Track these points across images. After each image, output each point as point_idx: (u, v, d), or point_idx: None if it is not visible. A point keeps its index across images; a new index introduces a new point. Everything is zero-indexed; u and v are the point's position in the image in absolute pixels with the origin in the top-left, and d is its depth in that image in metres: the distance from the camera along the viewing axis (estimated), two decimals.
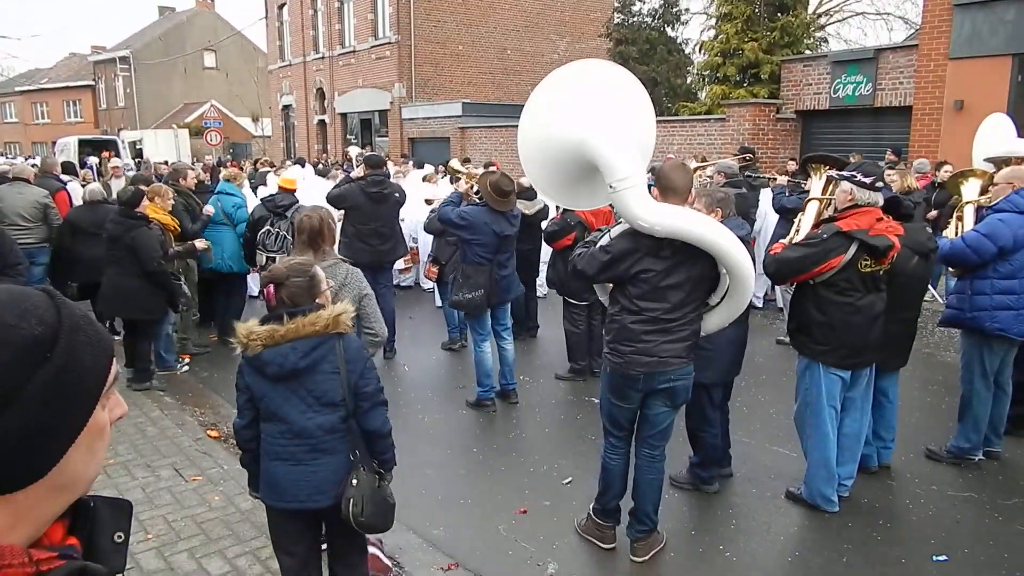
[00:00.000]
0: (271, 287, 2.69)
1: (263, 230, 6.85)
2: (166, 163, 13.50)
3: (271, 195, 7.21)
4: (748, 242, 4.18)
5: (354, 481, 2.65)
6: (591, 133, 3.34)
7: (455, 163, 9.18)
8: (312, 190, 9.70)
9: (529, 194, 7.01)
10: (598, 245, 3.46)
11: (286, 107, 29.22)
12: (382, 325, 3.71)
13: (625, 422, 3.63)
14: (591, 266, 3.44)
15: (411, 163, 14.74)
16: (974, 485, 4.45)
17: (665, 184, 3.44)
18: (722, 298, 3.50)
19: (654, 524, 3.72)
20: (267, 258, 6.95)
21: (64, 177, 10.05)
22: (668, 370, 3.43)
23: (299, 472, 2.65)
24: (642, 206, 3.24)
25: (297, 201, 7.05)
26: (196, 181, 7.79)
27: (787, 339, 7.43)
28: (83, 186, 8.99)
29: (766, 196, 8.35)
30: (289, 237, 6.74)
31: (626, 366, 3.43)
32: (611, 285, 3.59)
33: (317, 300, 2.71)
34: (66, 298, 0.89)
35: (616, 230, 3.45)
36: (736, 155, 10.30)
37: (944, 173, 8.74)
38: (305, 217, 3.73)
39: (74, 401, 0.84)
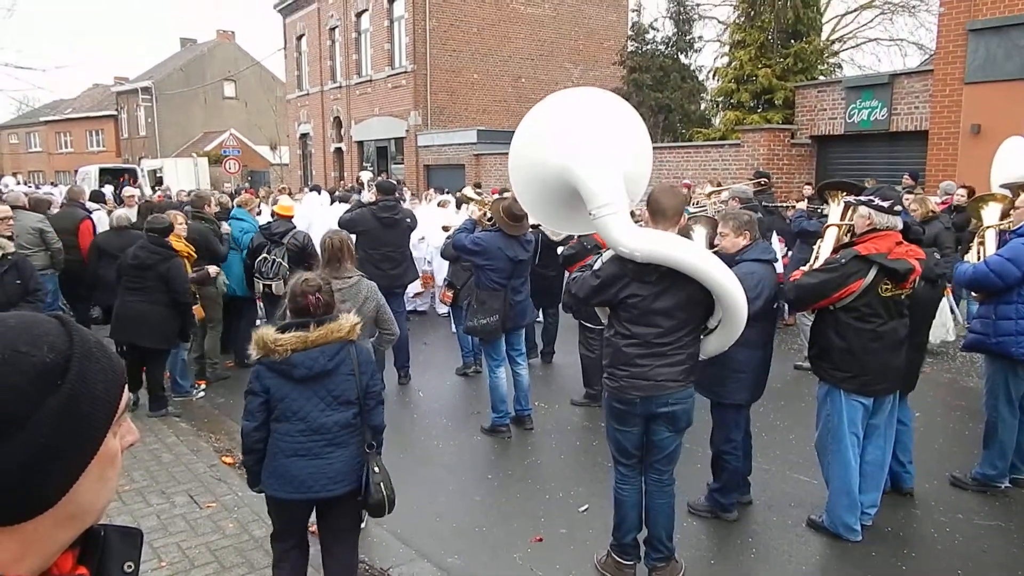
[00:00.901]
0: (317, 295, 3.01)
1: (260, 257, 6.93)
2: (188, 192, 13.66)
3: (267, 222, 7.30)
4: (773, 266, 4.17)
5: (376, 469, 3.00)
6: (573, 160, 3.38)
7: (468, 191, 9.25)
8: (328, 216, 9.81)
9: None
10: (591, 270, 3.49)
11: (303, 135, 29.61)
12: (396, 326, 4.43)
13: (632, 448, 3.58)
14: (583, 290, 3.47)
15: (432, 190, 14.86)
16: (1001, 514, 4.35)
17: (653, 207, 3.46)
18: (719, 322, 3.47)
19: (670, 552, 3.65)
20: (263, 285, 7.03)
21: (92, 205, 10.23)
22: (664, 394, 3.38)
23: (316, 465, 2.92)
24: (622, 232, 3.25)
25: (293, 227, 7.13)
26: (219, 208, 7.89)
27: (805, 364, 7.39)
28: (109, 213, 9.14)
29: None
30: (284, 264, 6.83)
31: (622, 390, 3.42)
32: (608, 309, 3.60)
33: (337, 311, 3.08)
34: (79, 325, 0.90)
35: (607, 255, 3.48)
36: (751, 179, 10.30)
37: (958, 196, 8.68)
38: (327, 238, 4.19)
39: (85, 429, 0.84)
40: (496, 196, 7.54)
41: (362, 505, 3.05)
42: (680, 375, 3.40)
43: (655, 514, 3.62)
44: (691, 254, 3.28)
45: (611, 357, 3.47)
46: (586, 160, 3.36)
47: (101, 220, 9.25)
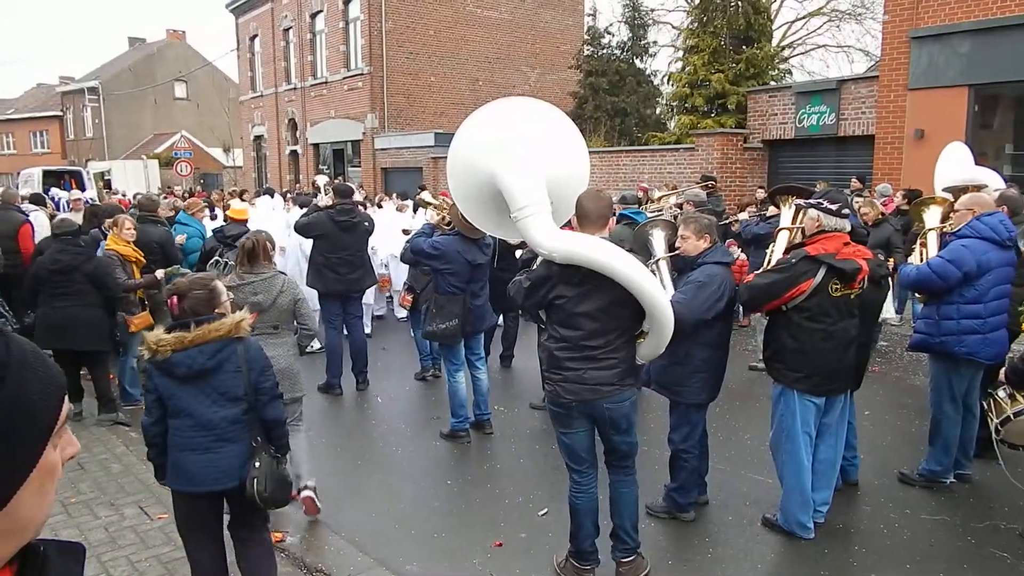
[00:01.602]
0: (175, 298, 3.10)
1: (211, 261, 6.82)
2: (134, 196, 13.35)
3: (220, 226, 7.18)
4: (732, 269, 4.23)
5: (257, 464, 3.06)
6: (497, 166, 3.46)
7: (426, 195, 9.23)
8: (280, 220, 9.67)
9: None
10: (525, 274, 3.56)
11: (258, 137, 29.11)
12: (314, 321, 4.71)
13: (582, 451, 3.57)
14: (519, 293, 3.52)
15: (395, 195, 14.72)
16: (947, 508, 4.48)
17: (579, 212, 3.52)
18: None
19: (636, 544, 3.69)
20: None
21: (30, 207, 9.87)
22: (598, 398, 3.39)
23: (207, 459, 3.03)
24: (541, 233, 3.31)
25: (247, 231, 7.02)
26: (173, 212, 7.68)
27: (760, 365, 7.52)
28: (51, 218, 8.83)
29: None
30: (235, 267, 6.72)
31: (556, 394, 3.46)
32: None
33: (217, 310, 3.12)
34: (15, 334, 0.86)
35: (540, 259, 3.52)
36: (699, 183, 10.48)
37: (898, 199, 9.00)
38: (245, 239, 4.38)
39: (24, 439, 0.81)
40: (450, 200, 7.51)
41: (244, 497, 3.09)
42: (613, 378, 3.40)
43: (619, 505, 3.66)
44: (609, 256, 3.28)
45: (547, 361, 3.53)
46: (507, 165, 3.45)
47: (41, 223, 8.92)
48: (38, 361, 0.85)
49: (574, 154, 3.79)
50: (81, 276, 5.69)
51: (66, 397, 0.88)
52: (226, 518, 3.27)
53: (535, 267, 3.53)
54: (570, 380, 3.39)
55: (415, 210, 10.92)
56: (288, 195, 13.72)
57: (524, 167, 3.45)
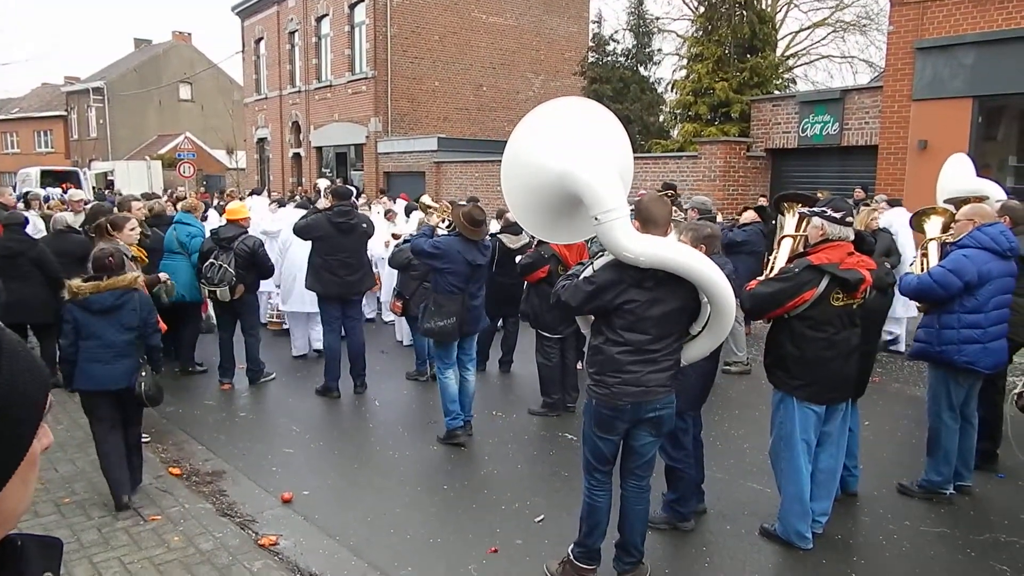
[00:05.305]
0: (111, 258, 4.45)
1: (207, 263, 6.81)
2: (119, 193, 13.40)
3: (216, 227, 7.17)
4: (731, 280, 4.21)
5: (143, 373, 4.50)
6: (576, 166, 3.37)
7: (426, 199, 9.24)
8: (269, 220, 9.67)
9: (515, 228, 7.01)
10: (582, 276, 3.48)
11: (261, 140, 29.16)
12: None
13: (610, 456, 3.61)
14: (575, 297, 3.45)
15: (386, 198, 14.70)
16: (947, 520, 4.44)
17: (646, 216, 3.48)
18: (703, 328, 3.54)
19: (641, 555, 3.72)
20: (208, 291, 6.89)
21: (19, 207, 9.92)
22: (654, 400, 3.44)
23: (108, 369, 4.40)
24: (628, 237, 3.29)
25: (244, 232, 7.00)
26: (145, 214, 7.56)
27: (733, 368, 7.53)
28: (43, 218, 8.88)
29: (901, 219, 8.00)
30: (231, 270, 6.73)
31: (613, 397, 3.42)
32: (592, 317, 3.60)
33: (126, 270, 4.59)
34: (2, 325, 0.85)
35: (600, 262, 3.48)
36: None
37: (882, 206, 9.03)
38: (98, 250, 4.80)
39: (16, 430, 0.80)
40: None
41: (133, 397, 4.46)
42: (667, 380, 3.48)
43: (632, 520, 3.66)
44: (695, 259, 3.36)
45: (600, 365, 3.47)
46: (590, 166, 3.37)
47: (34, 223, 8.94)
48: (25, 352, 0.84)
49: (630, 159, 3.77)
50: (26, 260, 6.57)
51: (50, 389, 0.87)
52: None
53: (593, 271, 3.45)
54: (628, 383, 3.40)
55: (408, 213, 10.91)
56: (288, 196, 13.68)
57: (607, 169, 3.40)
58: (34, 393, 0.83)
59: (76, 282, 4.38)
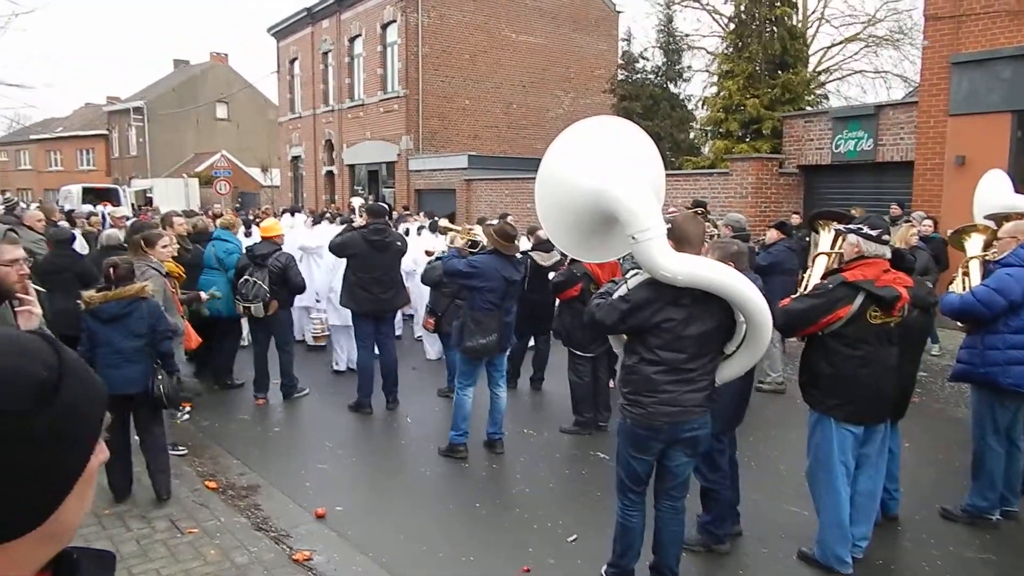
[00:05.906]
0: (115, 269, 4.73)
1: (241, 279, 6.91)
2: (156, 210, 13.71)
3: (252, 244, 7.29)
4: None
5: (160, 376, 4.73)
6: (612, 184, 3.36)
7: (444, 222, 9.34)
8: (301, 239, 9.80)
9: (546, 246, 7.03)
10: (616, 295, 3.47)
11: (295, 158, 29.64)
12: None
13: (644, 476, 3.59)
14: (610, 316, 3.43)
15: (415, 216, 14.86)
16: (992, 547, 4.32)
17: (680, 235, 3.47)
18: (738, 347, 3.51)
19: None
20: (243, 307, 6.99)
21: (63, 224, 10.20)
22: (690, 419, 3.42)
23: (118, 373, 4.56)
24: (665, 256, 3.29)
25: (278, 248, 7.11)
26: (188, 229, 7.75)
27: (765, 387, 7.43)
28: (84, 236, 9.15)
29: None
30: (264, 286, 6.82)
31: (649, 417, 3.40)
32: (626, 336, 3.58)
33: (135, 281, 4.82)
34: (62, 344, 0.88)
35: (634, 280, 3.46)
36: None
37: (925, 227, 8.95)
38: (106, 262, 5.11)
39: (76, 444, 0.83)
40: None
41: (151, 400, 4.69)
42: (703, 400, 3.46)
43: (668, 542, 3.64)
44: (731, 278, 3.35)
45: (635, 384, 3.45)
46: (626, 184, 3.37)
47: (80, 242, 9.20)
48: (83, 370, 0.87)
49: (662, 176, 3.76)
50: (71, 275, 6.52)
51: (107, 404, 0.90)
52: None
53: (628, 290, 3.43)
54: (665, 403, 3.38)
55: (432, 231, 11.00)
56: (320, 213, 13.85)
57: (643, 188, 3.40)
58: (93, 410, 0.85)
59: (89, 293, 4.69)
